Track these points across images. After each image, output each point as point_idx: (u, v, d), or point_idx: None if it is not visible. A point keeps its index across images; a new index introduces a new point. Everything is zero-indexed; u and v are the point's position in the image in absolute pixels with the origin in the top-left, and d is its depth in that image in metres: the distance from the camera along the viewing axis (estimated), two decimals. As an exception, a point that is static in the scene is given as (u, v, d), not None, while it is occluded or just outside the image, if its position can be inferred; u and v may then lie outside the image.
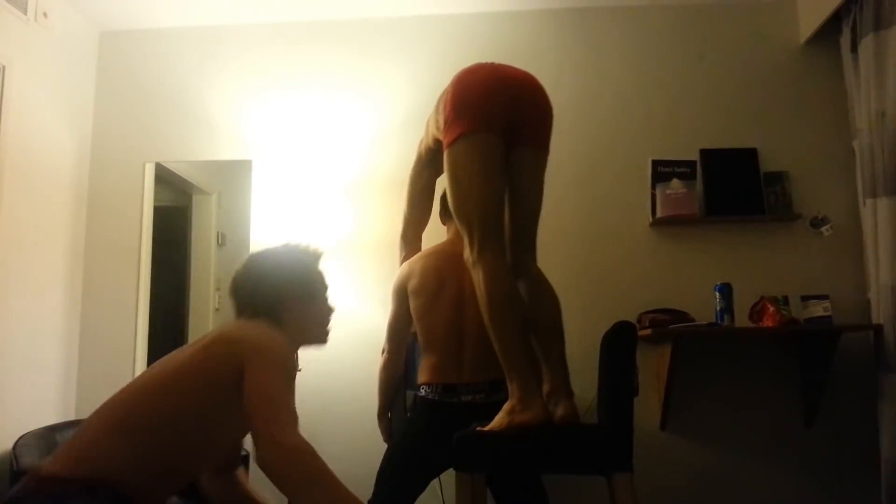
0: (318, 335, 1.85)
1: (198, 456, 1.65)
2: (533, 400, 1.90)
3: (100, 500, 1.40)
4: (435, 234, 2.75)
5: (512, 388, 1.94)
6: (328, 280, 1.88)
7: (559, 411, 1.96)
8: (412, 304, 2.46)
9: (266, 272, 1.77)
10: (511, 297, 1.97)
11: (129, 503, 1.45)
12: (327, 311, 1.86)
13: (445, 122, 2.07)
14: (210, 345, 1.60)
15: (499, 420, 1.93)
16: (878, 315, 2.82)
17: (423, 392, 2.41)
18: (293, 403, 1.52)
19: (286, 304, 1.75)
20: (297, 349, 1.81)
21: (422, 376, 2.43)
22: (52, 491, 1.39)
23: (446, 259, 2.45)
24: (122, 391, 1.61)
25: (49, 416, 3.04)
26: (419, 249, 2.73)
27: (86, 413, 3.07)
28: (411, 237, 2.76)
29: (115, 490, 1.43)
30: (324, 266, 1.88)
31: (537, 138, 2.14)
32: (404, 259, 2.70)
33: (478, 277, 1.97)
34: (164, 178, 3.45)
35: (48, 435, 2.71)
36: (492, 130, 2.01)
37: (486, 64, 2.15)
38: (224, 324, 1.75)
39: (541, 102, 2.14)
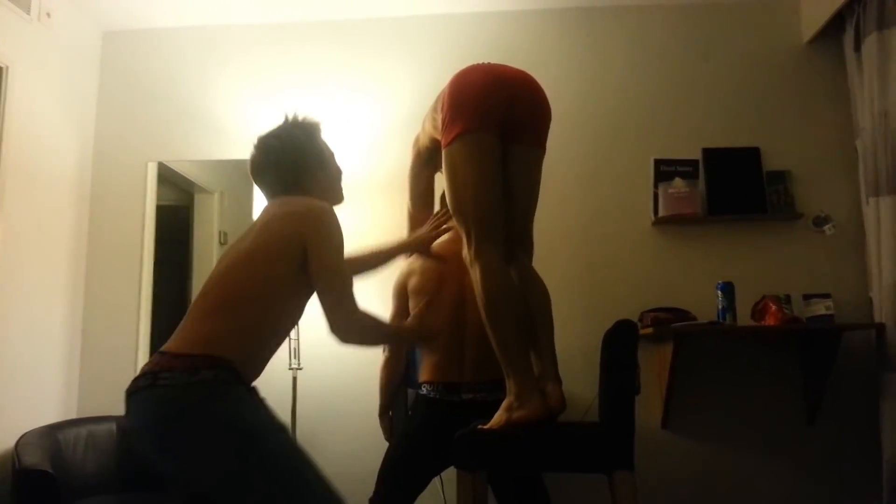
0: (337, 195, 2.02)
1: (290, 319, 1.78)
2: (530, 396, 1.91)
3: (222, 371, 1.56)
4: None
5: (509, 384, 1.94)
6: (330, 145, 2.02)
7: (547, 400, 1.96)
8: (412, 302, 2.47)
9: (281, 151, 1.90)
10: (508, 295, 1.98)
11: (240, 374, 1.60)
12: (338, 172, 2.03)
13: (443, 123, 2.08)
14: (268, 223, 1.75)
15: (497, 417, 1.93)
16: (881, 314, 2.82)
17: (424, 391, 2.42)
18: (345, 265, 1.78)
19: (307, 174, 1.91)
20: None
21: (423, 375, 2.44)
22: (183, 365, 1.54)
23: (447, 258, 2.45)
24: (209, 280, 1.72)
25: (51, 414, 3.05)
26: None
27: (88, 412, 3.13)
28: (418, 218, 2.74)
29: (229, 363, 1.58)
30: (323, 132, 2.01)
31: (534, 136, 2.14)
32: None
33: (475, 275, 1.98)
34: (167, 177, 3.46)
35: (50, 433, 2.72)
36: (489, 129, 2.01)
37: (483, 64, 2.16)
38: (268, 205, 1.87)
39: (537, 100, 2.14)
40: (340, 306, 1.70)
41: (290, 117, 1.98)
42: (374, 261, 2.33)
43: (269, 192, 1.93)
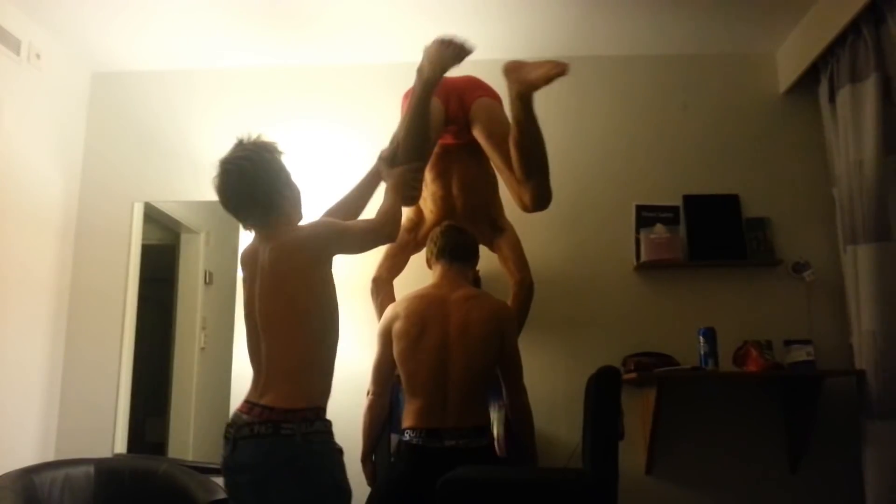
0: (301, 211, 2.15)
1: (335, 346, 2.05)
2: None
3: (324, 422, 1.92)
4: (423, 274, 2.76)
5: None
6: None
7: None
8: (395, 347, 2.47)
9: (254, 174, 1.98)
10: None
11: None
12: (298, 191, 2.13)
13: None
14: (276, 267, 1.96)
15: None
16: (861, 360, 2.85)
17: (406, 437, 2.40)
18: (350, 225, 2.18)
19: (279, 195, 2.02)
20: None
21: (406, 421, 2.43)
22: (298, 418, 1.84)
23: (431, 303, 2.47)
24: (268, 338, 1.96)
25: (28, 457, 2.99)
26: (392, 293, 2.81)
27: (66, 453, 3.06)
28: (385, 279, 2.84)
29: (323, 409, 1.94)
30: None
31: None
32: (381, 303, 2.77)
33: None
34: (153, 216, 3.46)
35: (25, 476, 2.66)
36: None
37: None
38: (258, 244, 2.03)
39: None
40: (370, 230, 2.17)
41: (248, 139, 2.04)
42: (361, 199, 2.45)
43: (247, 218, 2.04)
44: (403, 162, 2.41)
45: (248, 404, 1.91)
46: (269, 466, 1.81)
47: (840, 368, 2.99)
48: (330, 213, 2.34)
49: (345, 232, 2.11)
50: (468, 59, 2.38)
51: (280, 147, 2.06)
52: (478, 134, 2.63)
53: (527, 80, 2.27)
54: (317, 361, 1.96)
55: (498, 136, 2.53)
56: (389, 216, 2.23)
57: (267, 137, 2.06)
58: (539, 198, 2.49)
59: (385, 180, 2.41)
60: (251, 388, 1.97)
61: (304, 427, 1.84)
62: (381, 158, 2.48)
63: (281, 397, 1.87)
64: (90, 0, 2.97)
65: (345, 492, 1.90)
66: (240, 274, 3.15)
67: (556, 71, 2.18)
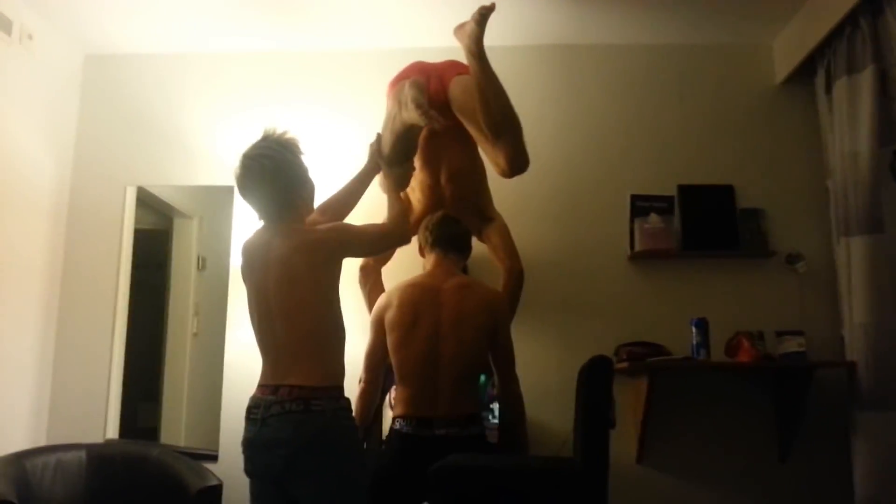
0: (311, 209, 2.25)
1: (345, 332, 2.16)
2: None
3: (346, 399, 2.05)
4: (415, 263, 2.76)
5: None
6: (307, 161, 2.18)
7: None
8: (388, 336, 2.47)
9: (274, 171, 2.07)
10: None
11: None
12: (314, 187, 2.22)
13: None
14: (289, 259, 2.04)
15: None
16: (852, 352, 2.86)
17: (397, 425, 2.41)
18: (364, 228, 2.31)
19: (295, 192, 2.12)
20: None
21: (397, 409, 2.43)
22: (326, 395, 1.98)
23: (424, 292, 2.47)
24: (285, 324, 2.03)
25: (19, 441, 2.99)
26: (380, 282, 2.83)
27: (58, 438, 3.06)
28: (372, 267, 2.84)
29: (342, 387, 2.06)
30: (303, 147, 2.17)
31: None
32: (370, 291, 2.79)
33: None
34: (146, 200, 3.44)
35: (17, 461, 2.66)
36: None
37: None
38: (267, 236, 2.12)
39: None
40: (385, 235, 2.34)
41: (273, 134, 2.12)
42: (354, 195, 2.55)
43: (261, 209, 2.13)
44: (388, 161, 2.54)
45: (271, 386, 2.00)
46: (302, 440, 1.92)
47: (831, 360, 3.00)
48: (323, 209, 2.38)
49: (359, 236, 2.23)
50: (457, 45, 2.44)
51: (301, 146, 2.14)
52: (456, 110, 2.61)
53: (467, 31, 2.36)
54: (336, 344, 2.09)
55: (471, 110, 2.52)
56: (401, 220, 2.39)
57: (290, 134, 2.13)
58: (513, 158, 2.44)
59: (385, 177, 2.52)
60: (267, 373, 2.05)
61: (332, 404, 1.98)
62: (378, 154, 2.57)
63: (308, 377, 1.98)
64: (83, -19, 2.94)
65: (365, 466, 2.08)
66: (233, 260, 3.16)
67: (483, 11, 2.27)
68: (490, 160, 2.58)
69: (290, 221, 2.11)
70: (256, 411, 1.99)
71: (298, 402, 1.94)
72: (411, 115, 2.30)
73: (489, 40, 2.40)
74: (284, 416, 1.93)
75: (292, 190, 2.11)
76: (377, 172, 2.62)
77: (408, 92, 2.41)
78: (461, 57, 2.61)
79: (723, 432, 3.07)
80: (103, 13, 3.19)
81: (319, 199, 2.33)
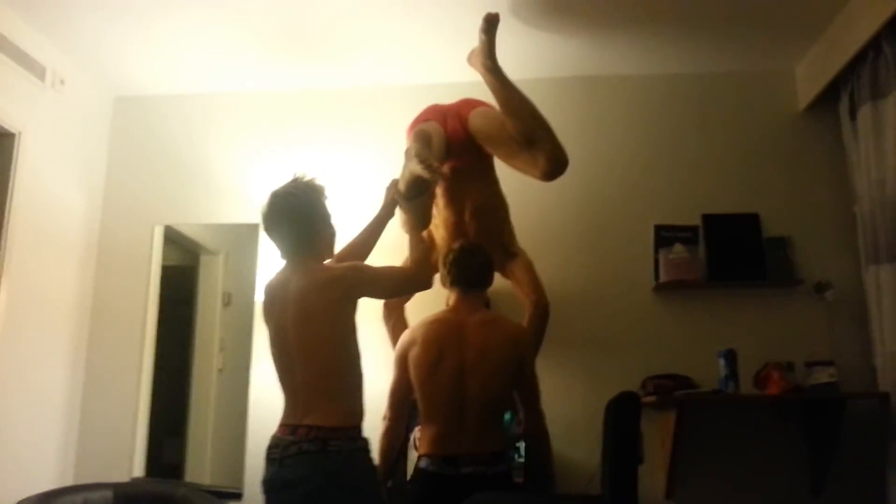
0: (333, 251, 2.33)
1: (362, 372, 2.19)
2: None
3: (364, 440, 2.08)
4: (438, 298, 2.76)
5: None
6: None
7: None
8: (412, 373, 2.46)
9: (299, 210, 2.17)
10: None
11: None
12: (334, 233, 2.30)
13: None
14: (306, 298, 2.09)
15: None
16: (885, 382, 2.80)
17: (423, 464, 2.39)
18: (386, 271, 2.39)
19: (316, 233, 2.20)
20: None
21: (422, 447, 2.42)
22: (344, 436, 2.00)
23: (448, 328, 2.46)
24: (305, 363, 2.08)
25: (47, 481, 3.01)
26: (403, 317, 2.85)
27: (85, 475, 3.08)
28: (395, 303, 2.85)
29: (361, 428, 2.09)
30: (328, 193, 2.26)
31: None
32: (393, 326, 2.81)
33: None
34: (173, 238, 3.50)
35: (44, 501, 2.67)
36: None
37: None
38: (288, 274, 2.18)
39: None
40: (407, 279, 2.40)
41: (301, 177, 2.23)
42: (371, 238, 2.59)
43: (283, 245, 2.21)
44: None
45: (290, 426, 2.04)
46: (317, 480, 1.94)
47: (863, 391, 2.93)
48: (340, 257, 2.42)
49: (377, 277, 2.27)
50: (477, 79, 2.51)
51: (327, 191, 2.24)
52: (482, 140, 2.63)
53: (477, 49, 2.44)
54: (353, 384, 2.12)
55: (496, 132, 2.55)
56: (423, 264, 2.42)
57: (319, 181, 2.24)
58: (552, 154, 2.42)
59: (404, 213, 2.56)
60: (288, 412, 2.10)
61: (349, 444, 2.01)
62: (395, 191, 2.58)
63: (325, 417, 2.01)
64: (113, 26, 3.03)
65: (378, 495, 2.11)
66: (258, 296, 3.20)
67: (489, 18, 2.33)
68: (528, 170, 2.54)
69: (309, 260, 2.17)
70: (276, 451, 2.02)
71: (315, 442, 1.97)
72: (416, 168, 2.32)
73: (509, 73, 2.43)
74: (301, 456, 1.97)
75: (314, 229, 2.19)
76: (391, 216, 2.63)
77: (411, 146, 2.42)
78: (480, 93, 2.64)
79: (753, 466, 3.00)
80: (132, 56, 3.28)
81: (340, 244, 2.37)
